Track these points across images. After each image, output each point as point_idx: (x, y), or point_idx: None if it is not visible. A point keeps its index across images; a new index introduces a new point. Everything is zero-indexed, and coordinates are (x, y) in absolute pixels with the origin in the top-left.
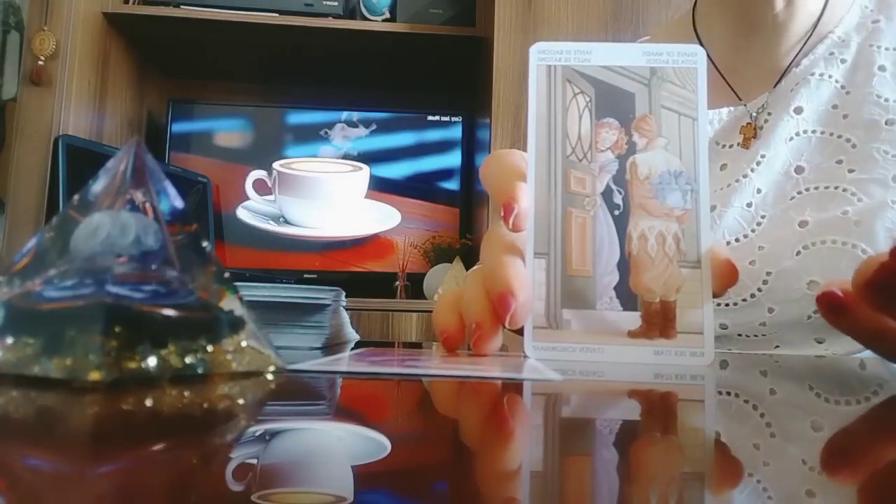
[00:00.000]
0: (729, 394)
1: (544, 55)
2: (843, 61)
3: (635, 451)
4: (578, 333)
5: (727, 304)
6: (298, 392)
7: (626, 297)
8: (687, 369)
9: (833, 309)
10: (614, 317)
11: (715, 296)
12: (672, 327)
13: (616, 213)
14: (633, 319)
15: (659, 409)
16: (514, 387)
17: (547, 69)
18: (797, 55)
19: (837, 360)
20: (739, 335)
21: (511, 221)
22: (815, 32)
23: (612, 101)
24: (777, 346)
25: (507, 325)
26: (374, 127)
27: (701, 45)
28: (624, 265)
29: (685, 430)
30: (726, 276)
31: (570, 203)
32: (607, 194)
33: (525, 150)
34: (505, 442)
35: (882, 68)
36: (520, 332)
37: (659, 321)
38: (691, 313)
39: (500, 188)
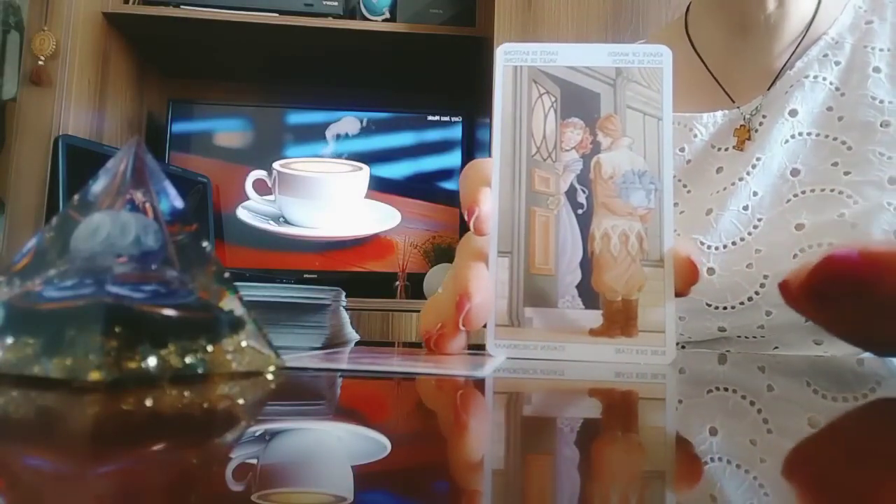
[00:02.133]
0: (724, 390)
1: (511, 56)
2: (837, 63)
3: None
4: (540, 331)
5: (725, 308)
6: (297, 392)
7: (589, 295)
8: (648, 368)
9: (788, 297)
10: (576, 315)
11: (678, 295)
12: (634, 326)
13: (580, 212)
14: (595, 318)
15: (569, 401)
16: (439, 382)
17: (513, 70)
18: (790, 57)
19: (831, 358)
20: (738, 336)
21: (472, 224)
22: (808, 34)
23: (578, 101)
24: (776, 347)
25: (462, 325)
26: (373, 127)
27: (693, 48)
28: (586, 264)
29: (590, 424)
30: (689, 275)
31: (534, 202)
32: (571, 193)
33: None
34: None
35: (877, 70)
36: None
37: (621, 320)
38: (653, 312)
39: (466, 193)
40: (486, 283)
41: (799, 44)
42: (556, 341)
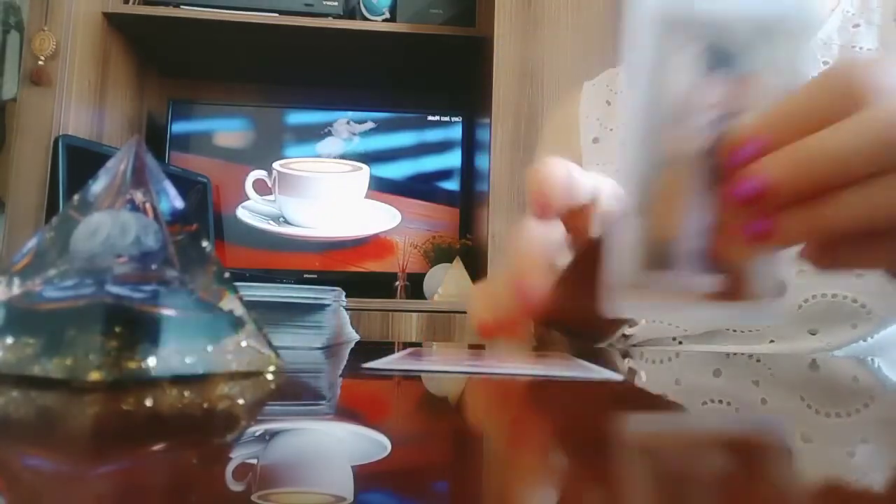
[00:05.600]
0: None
1: (650, 0)
2: (825, 63)
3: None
4: (659, 294)
5: None
6: (298, 392)
7: (709, 260)
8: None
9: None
10: (695, 279)
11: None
12: (750, 290)
13: (710, 174)
14: (715, 282)
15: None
16: (581, 386)
17: (649, 16)
18: None
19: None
20: (734, 331)
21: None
22: None
23: (720, 54)
24: (772, 341)
25: (524, 311)
26: (373, 127)
27: None
28: (710, 228)
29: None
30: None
31: (664, 163)
32: (703, 154)
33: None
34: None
35: None
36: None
37: (739, 284)
38: (772, 275)
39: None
40: (539, 261)
41: None
42: (673, 304)
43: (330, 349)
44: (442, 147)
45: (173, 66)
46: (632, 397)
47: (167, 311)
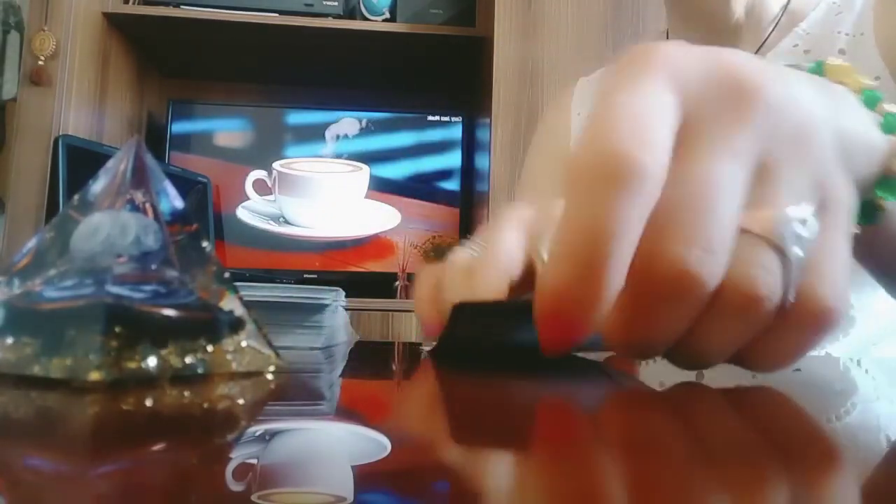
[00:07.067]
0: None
1: None
2: (806, 52)
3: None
4: None
5: None
6: (298, 392)
7: None
8: None
9: None
10: None
11: None
12: None
13: None
14: None
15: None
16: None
17: None
18: (759, 49)
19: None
20: None
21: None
22: (777, 28)
23: None
24: None
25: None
26: (373, 127)
27: None
28: None
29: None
30: None
31: None
32: None
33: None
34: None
35: (842, 52)
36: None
37: None
38: None
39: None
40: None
41: (766, 39)
42: None
43: (330, 349)
44: (442, 147)
45: (173, 66)
46: (612, 397)
47: (167, 311)
